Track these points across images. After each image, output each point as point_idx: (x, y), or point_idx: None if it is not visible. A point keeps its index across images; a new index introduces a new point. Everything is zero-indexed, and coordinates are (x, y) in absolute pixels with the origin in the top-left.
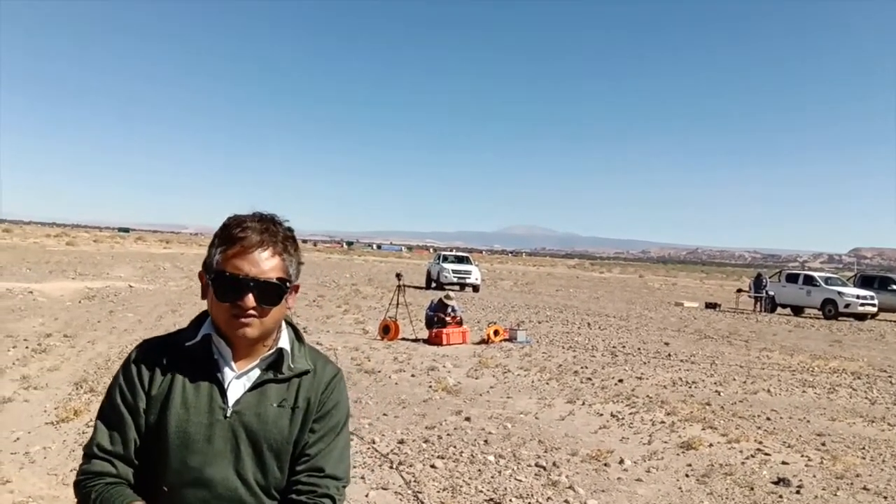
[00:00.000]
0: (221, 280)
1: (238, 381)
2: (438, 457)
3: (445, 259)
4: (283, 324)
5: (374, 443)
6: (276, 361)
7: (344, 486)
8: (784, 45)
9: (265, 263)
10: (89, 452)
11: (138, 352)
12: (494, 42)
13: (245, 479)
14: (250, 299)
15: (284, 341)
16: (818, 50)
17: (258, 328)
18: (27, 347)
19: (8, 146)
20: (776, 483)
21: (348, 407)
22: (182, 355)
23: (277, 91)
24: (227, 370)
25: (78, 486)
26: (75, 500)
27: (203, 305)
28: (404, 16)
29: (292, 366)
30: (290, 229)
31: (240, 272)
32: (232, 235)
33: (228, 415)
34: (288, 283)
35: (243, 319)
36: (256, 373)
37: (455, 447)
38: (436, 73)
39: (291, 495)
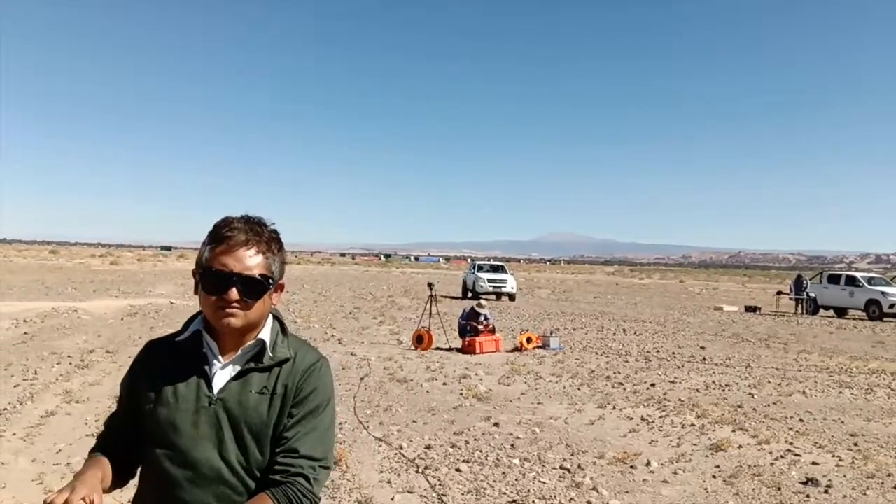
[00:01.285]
0: (209, 275)
1: (224, 371)
2: (464, 461)
3: (480, 268)
4: (270, 318)
5: (401, 448)
6: (258, 352)
7: (323, 467)
8: (824, 41)
9: (249, 261)
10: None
11: (141, 352)
12: (526, 49)
13: (227, 461)
14: (234, 293)
15: (266, 333)
16: (863, 44)
17: (242, 319)
18: (70, 363)
19: (55, 171)
20: (804, 483)
21: (330, 392)
22: (175, 351)
23: (313, 105)
24: (214, 362)
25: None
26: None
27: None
28: (437, 26)
29: (272, 355)
30: (275, 231)
31: (225, 268)
32: (220, 235)
33: (213, 402)
34: (271, 280)
35: (228, 310)
36: (240, 363)
37: (481, 451)
38: (469, 82)
39: (269, 474)
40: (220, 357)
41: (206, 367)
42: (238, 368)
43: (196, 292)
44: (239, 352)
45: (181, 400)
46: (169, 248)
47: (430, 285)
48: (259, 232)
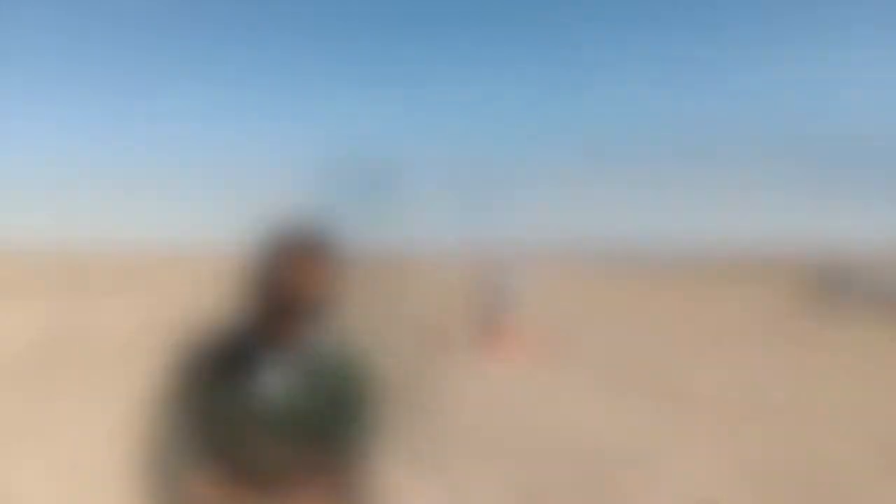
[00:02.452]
0: (277, 292)
1: (275, 372)
2: (468, 466)
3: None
4: None
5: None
6: (308, 352)
7: (377, 461)
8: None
9: (319, 278)
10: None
11: (182, 354)
12: (541, 49)
13: (290, 461)
14: (303, 312)
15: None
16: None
17: (303, 332)
18: (86, 370)
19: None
20: (828, 481)
21: (377, 390)
22: (220, 352)
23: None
24: (265, 364)
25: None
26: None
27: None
28: (452, 26)
29: (322, 354)
30: (331, 237)
31: (296, 287)
32: (287, 249)
33: (270, 404)
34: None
35: (293, 326)
36: (292, 364)
37: (487, 457)
38: (485, 82)
39: (330, 470)
40: (269, 359)
41: (257, 370)
42: (290, 369)
43: (248, 295)
44: (291, 353)
45: (237, 403)
46: (183, 253)
47: None
48: (323, 244)
